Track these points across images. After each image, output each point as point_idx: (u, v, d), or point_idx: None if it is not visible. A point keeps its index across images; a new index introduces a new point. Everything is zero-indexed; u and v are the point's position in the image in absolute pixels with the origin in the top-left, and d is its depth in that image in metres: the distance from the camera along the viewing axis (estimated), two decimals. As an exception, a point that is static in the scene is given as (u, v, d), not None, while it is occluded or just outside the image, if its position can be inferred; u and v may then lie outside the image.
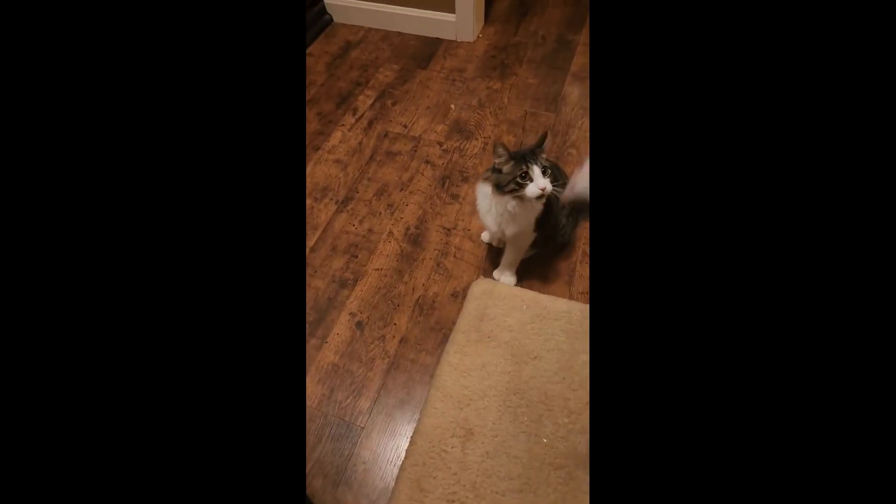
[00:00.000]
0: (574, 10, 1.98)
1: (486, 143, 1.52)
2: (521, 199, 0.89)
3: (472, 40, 1.86)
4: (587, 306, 1.04)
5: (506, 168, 0.90)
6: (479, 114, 1.61)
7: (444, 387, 0.92)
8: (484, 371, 0.93)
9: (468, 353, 0.96)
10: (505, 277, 1.16)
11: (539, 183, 0.86)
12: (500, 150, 0.89)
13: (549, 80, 1.71)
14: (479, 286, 1.10)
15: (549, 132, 1.54)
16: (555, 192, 0.90)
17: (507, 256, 1.14)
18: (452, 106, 1.65)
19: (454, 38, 1.87)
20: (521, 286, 1.17)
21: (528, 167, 0.87)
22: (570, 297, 1.14)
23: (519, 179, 0.87)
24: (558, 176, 0.92)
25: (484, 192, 0.98)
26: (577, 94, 1.64)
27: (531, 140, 1.51)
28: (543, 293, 1.15)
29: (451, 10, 1.79)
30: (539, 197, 0.87)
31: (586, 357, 0.90)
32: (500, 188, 0.91)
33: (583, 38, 1.86)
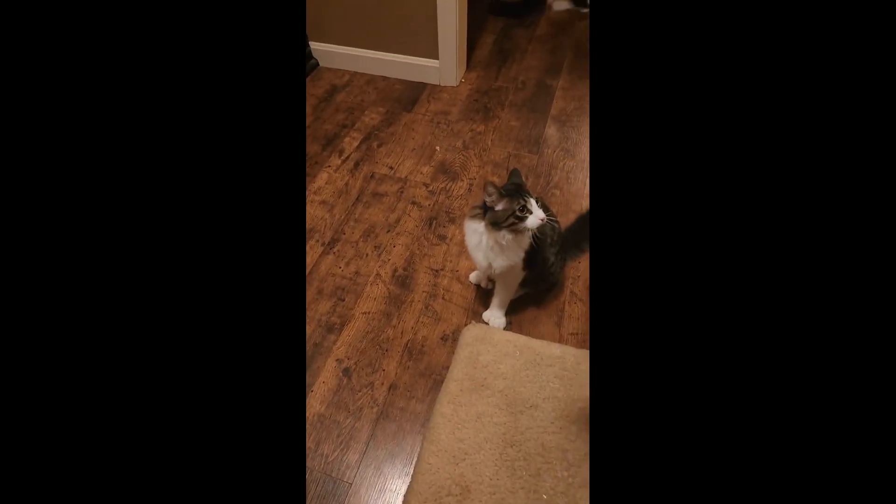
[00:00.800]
0: (551, 56, 2.08)
1: (471, 184, 1.54)
2: (517, 232, 0.92)
3: (455, 85, 1.92)
4: (579, 351, 1.03)
5: (500, 205, 0.92)
6: (463, 155, 1.65)
7: (437, 440, 0.88)
8: (479, 422, 0.90)
9: (462, 403, 0.93)
10: (495, 319, 1.15)
11: (538, 214, 0.89)
12: (491, 189, 0.91)
13: (530, 122, 1.77)
14: (471, 332, 1.09)
15: (532, 173, 1.58)
16: (550, 222, 0.92)
17: (497, 297, 1.13)
18: (438, 148, 1.68)
19: (438, 83, 1.93)
20: (511, 329, 1.16)
21: (525, 201, 0.89)
22: (560, 338, 1.14)
23: (518, 213, 0.89)
24: (547, 209, 0.95)
25: (472, 228, 0.98)
26: (557, 137, 1.70)
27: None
28: (533, 335, 1.14)
29: (435, 56, 1.86)
30: (538, 227, 0.91)
31: (582, 405, 0.89)
32: (496, 225, 0.92)
33: (561, 83, 1.95)
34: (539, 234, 0.96)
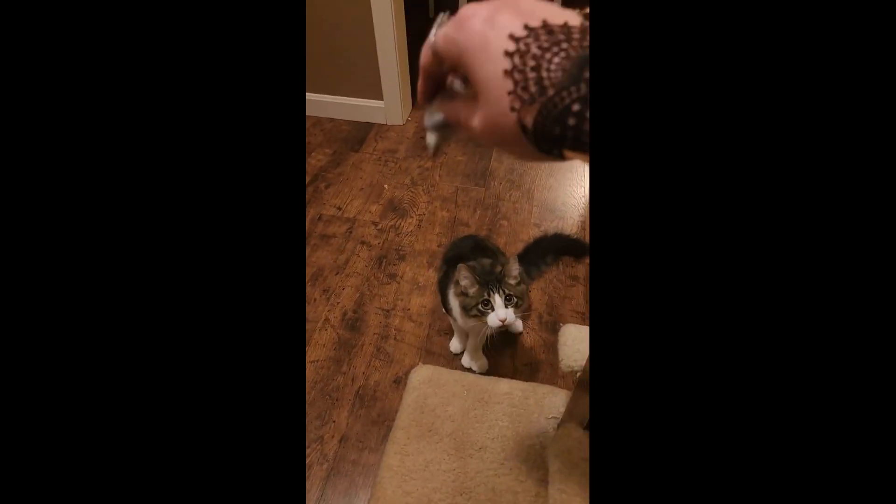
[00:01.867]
0: (494, 93, 2.17)
1: (420, 220, 1.55)
2: (479, 320, 0.87)
3: (401, 123, 1.96)
4: (527, 385, 1.02)
5: (471, 291, 0.87)
6: (412, 192, 1.66)
7: (384, 497, 0.84)
8: (427, 471, 0.87)
9: (409, 452, 0.90)
10: (475, 364, 1.11)
11: (499, 314, 0.84)
12: (466, 274, 0.86)
13: (476, 156, 1.82)
14: (418, 374, 1.06)
15: (480, 206, 1.61)
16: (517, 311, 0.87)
17: (470, 343, 1.10)
18: (386, 186, 1.69)
19: (385, 122, 1.97)
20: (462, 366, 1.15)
21: (489, 295, 0.84)
22: (515, 371, 1.13)
23: (481, 307, 0.85)
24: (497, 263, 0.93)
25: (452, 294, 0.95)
26: (503, 168, 1.75)
27: (464, 214, 1.56)
28: (489, 371, 1.12)
29: (380, 97, 1.90)
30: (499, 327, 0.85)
31: (531, 442, 0.87)
32: (466, 311, 0.88)
33: (504, 118, 2.02)
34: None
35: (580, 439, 0.57)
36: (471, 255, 1.01)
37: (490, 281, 0.86)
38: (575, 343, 0.67)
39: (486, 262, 0.94)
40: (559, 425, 0.72)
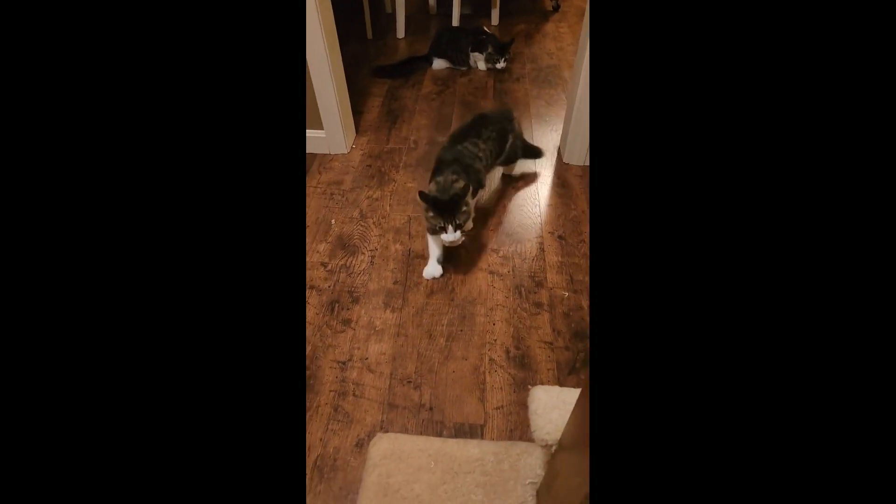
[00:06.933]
0: (438, 114, 2.12)
1: (373, 256, 1.46)
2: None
3: (346, 152, 1.87)
4: (499, 444, 0.94)
5: (431, 213, 1.22)
6: (362, 226, 1.56)
7: None
8: (398, 563, 0.76)
9: (376, 542, 0.79)
10: (436, 270, 1.38)
11: (450, 237, 1.22)
12: (423, 204, 1.22)
13: (426, 182, 1.74)
14: (378, 447, 0.95)
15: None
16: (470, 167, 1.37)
17: (436, 251, 1.37)
18: (333, 221, 1.58)
19: (328, 152, 1.86)
20: (430, 412, 1.06)
21: (445, 225, 1.21)
22: (486, 416, 1.05)
23: (438, 229, 1.23)
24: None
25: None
26: (455, 193, 1.69)
27: (419, 245, 1.48)
28: (457, 418, 1.04)
29: (320, 126, 1.79)
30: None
31: (509, 514, 0.79)
32: (431, 230, 1.29)
33: (452, 138, 1.97)
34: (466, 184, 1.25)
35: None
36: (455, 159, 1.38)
37: (444, 214, 1.21)
38: (546, 411, 0.60)
39: (449, 178, 1.28)
40: None
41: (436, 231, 1.24)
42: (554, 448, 0.60)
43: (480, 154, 1.42)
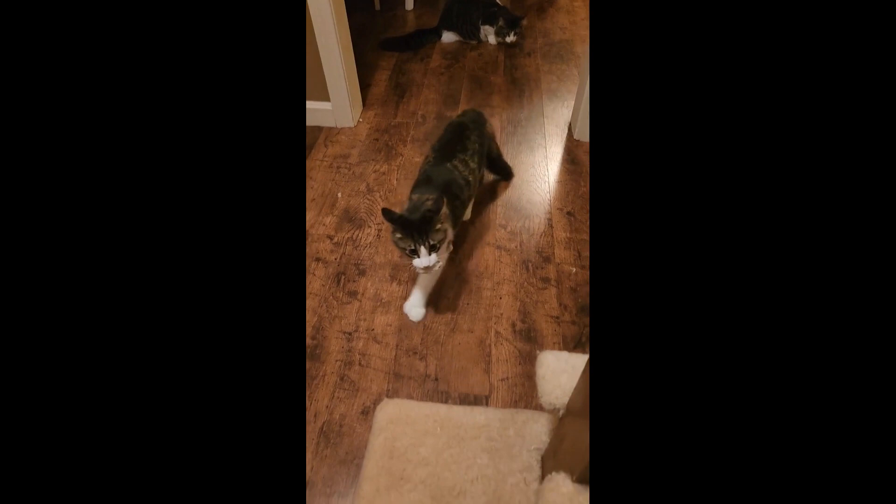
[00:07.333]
0: (448, 88, 2.07)
1: (379, 230, 1.45)
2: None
3: (352, 125, 1.84)
4: (505, 412, 0.94)
5: (398, 235, 1.02)
6: (368, 199, 1.55)
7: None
8: (402, 525, 0.78)
9: (379, 505, 0.81)
10: (415, 311, 1.19)
11: (423, 262, 1.00)
12: (388, 222, 1.00)
13: (434, 156, 1.72)
14: (385, 411, 0.96)
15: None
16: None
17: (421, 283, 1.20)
18: (339, 194, 1.57)
19: (334, 125, 1.84)
20: (436, 382, 1.06)
21: (416, 247, 1.00)
22: (490, 387, 1.06)
23: (409, 253, 1.01)
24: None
25: None
26: (463, 168, 1.66)
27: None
28: (462, 388, 1.05)
29: (326, 98, 1.76)
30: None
31: (513, 480, 0.80)
32: (401, 249, 1.05)
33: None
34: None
35: (571, 496, 0.50)
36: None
37: (415, 234, 0.99)
38: (555, 376, 0.60)
39: (423, 197, 1.07)
40: (544, 472, 0.65)
41: (406, 255, 1.04)
42: (561, 413, 0.60)
43: (471, 178, 1.24)
